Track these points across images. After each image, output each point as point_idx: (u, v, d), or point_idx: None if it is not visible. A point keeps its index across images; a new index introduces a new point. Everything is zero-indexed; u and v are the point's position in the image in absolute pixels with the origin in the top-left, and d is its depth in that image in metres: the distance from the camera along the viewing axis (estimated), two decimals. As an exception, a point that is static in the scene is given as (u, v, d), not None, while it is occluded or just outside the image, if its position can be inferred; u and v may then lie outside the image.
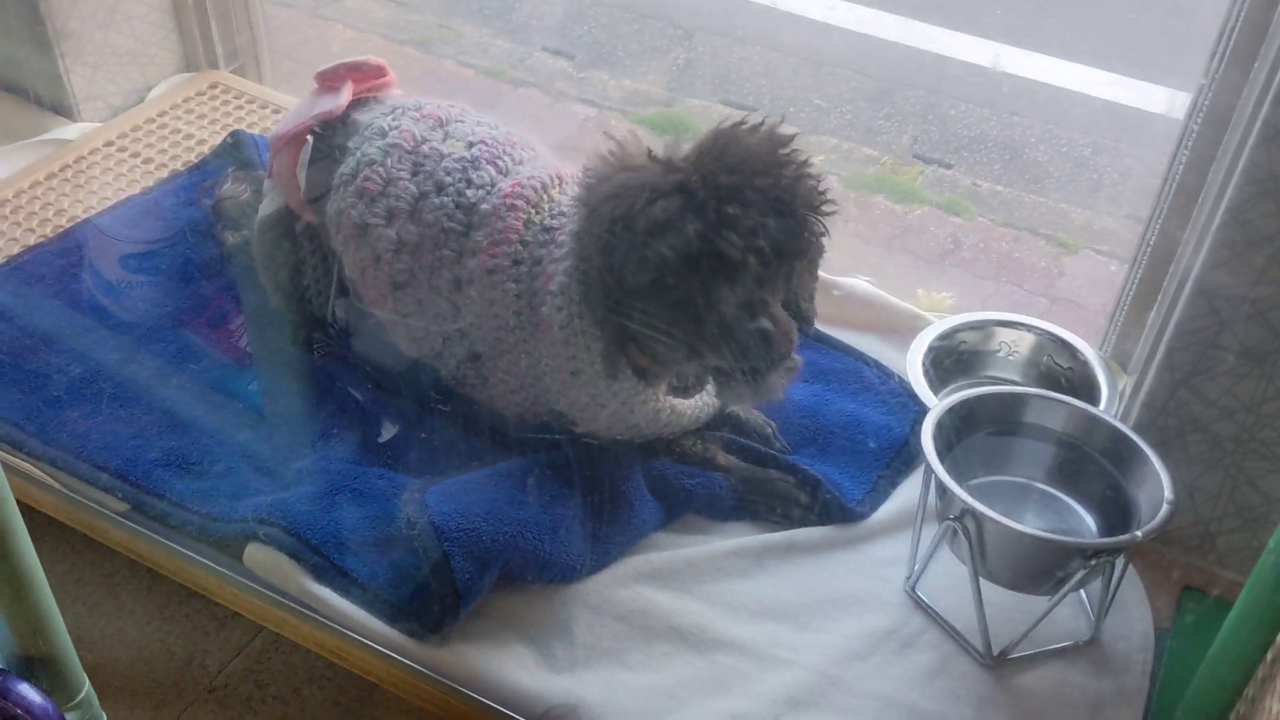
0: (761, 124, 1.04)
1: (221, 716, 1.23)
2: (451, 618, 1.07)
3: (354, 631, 1.09)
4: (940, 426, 1.09)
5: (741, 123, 1.04)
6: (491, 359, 1.18)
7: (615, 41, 2.32)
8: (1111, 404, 1.25)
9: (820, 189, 1.04)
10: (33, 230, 1.49)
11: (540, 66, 2.25)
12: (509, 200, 1.14)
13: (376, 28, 2.34)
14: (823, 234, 1.05)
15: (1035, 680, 1.08)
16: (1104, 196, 2.00)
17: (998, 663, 1.08)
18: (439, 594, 1.06)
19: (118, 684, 1.25)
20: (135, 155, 1.63)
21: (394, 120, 1.21)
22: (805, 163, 1.04)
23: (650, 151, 1.04)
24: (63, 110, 1.68)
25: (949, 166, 2.04)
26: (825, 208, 1.04)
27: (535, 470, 1.17)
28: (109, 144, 1.64)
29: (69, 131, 1.65)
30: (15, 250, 1.45)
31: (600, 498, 1.15)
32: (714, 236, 0.99)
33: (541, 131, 2.08)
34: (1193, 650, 1.11)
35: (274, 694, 1.25)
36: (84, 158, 1.61)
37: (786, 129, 1.05)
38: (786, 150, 1.04)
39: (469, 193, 1.15)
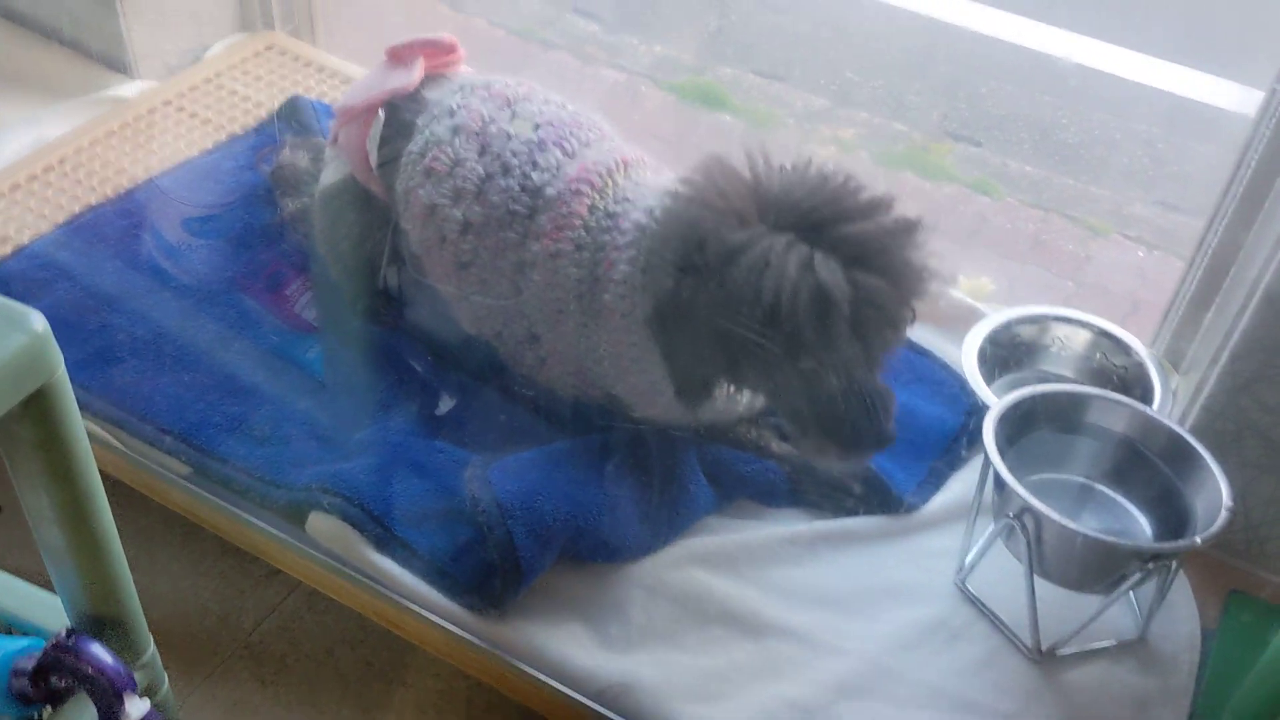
0: (884, 204, 1.03)
1: (255, 673, 1.25)
2: (512, 593, 1.08)
3: (414, 603, 1.10)
4: (1001, 422, 1.10)
5: (855, 185, 1.03)
6: (550, 341, 1.19)
7: (645, 5, 2.30)
8: (1165, 404, 1.25)
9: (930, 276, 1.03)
10: (94, 189, 1.50)
11: (570, 29, 2.22)
12: (574, 185, 1.14)
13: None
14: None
15: (1082, 676, 1.10)
16: (1135, 182, 1.99)
17: (1046, 658, 1.10)
18: (501, 570, 1.08)
19: (154, 639, 1.27)
20: (194, 115, 1.63)
21: (462, 99, 1.22)
22: (921, 250, 1.03)
23: (751, 183, 1.04)
24: (120, 67, 1.68)
25: (979, 144, 2.02)
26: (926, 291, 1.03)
27: (593, 451, 1.18)
28: (167, 103, 1.64)
29: (128, 89, 1.66)
30: (77, 209, 1.46)
31: (656, 480, 1.16)
32: (836, 288, 0.97)
33: (571, 97, 2.08)
34: (1238, 652, 1.12)
35: (307, 653, 1.26)
36: (142, 116, 1.61)
37: (910, 218, 1.03)
38: (909, 237, 1.02)
39: (534, 175, 1.16)
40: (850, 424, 1.03)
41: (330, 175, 1.34)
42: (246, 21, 1.79)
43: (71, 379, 1.26)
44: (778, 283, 0.97)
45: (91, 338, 1.30)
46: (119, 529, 1.33)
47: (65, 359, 1.27)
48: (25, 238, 1.42)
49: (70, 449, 0.88)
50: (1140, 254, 1.83)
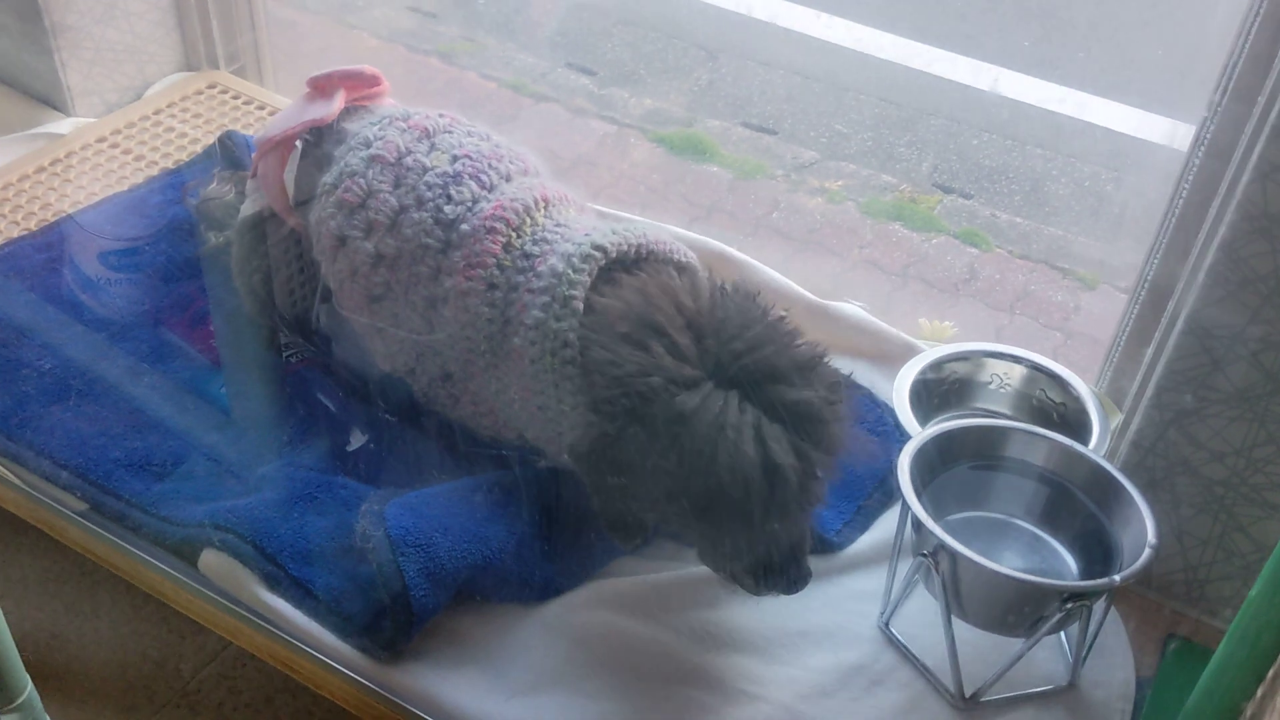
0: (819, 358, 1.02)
1: None
2: (404, 635, 1.04)
3: (305, 644, 1.06)
4: (919, 458, 1.06)
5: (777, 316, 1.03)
6: (462, 380, 1.15)
7: (638, 60, 2.31)
8: (1102, 442, 1.21)
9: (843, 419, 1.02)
10: (16, 224, 1.47)
11: (562, 82, 2.24)
12: (489, 222, 1.11)
13: (401, 37, 2.33)
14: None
15: (1008, 725, 1.05)
16: (1125, 232, 1.97)
17: (969, 705, 1.05)
18: (391, 610, 1.03)
19: (90, 685, 1.23)
20: (127, 152, 1.61)
21: (380, 131, 1.19)
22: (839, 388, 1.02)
23: (681, 304, 1.02)
24: (57, 105, 1.67)
25: (969, 196, 2.01)
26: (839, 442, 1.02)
27: (502, 488, 1.14)
28: (101, 140, 1.62)
29: (62, 126, 1.64)
30: (-2, 243, 1.44)
31: (566, 519, 1.12)
32: (769, 452, 0.96)
33: (559, 147, 2.07)
34: (1176, 700, 1.06)
35: (246, 701, 1.22)
36: (75, 153, 1.59)
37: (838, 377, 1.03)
38: (820, 365, 1.02)
39: (447, 209, 1.12)
40: (771, 572, 1.02)
41: (249, 207, 1.31)
42: (191, 61, 1.78)
43: (-31, 412, 1.24)
44: (732, 458, 0.96)
45: (-2, 371, 1.27)
46: (62, 571, 1.31)
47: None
48: (-58, 271, 1.39)
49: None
50: (1132, 306, 1.80)
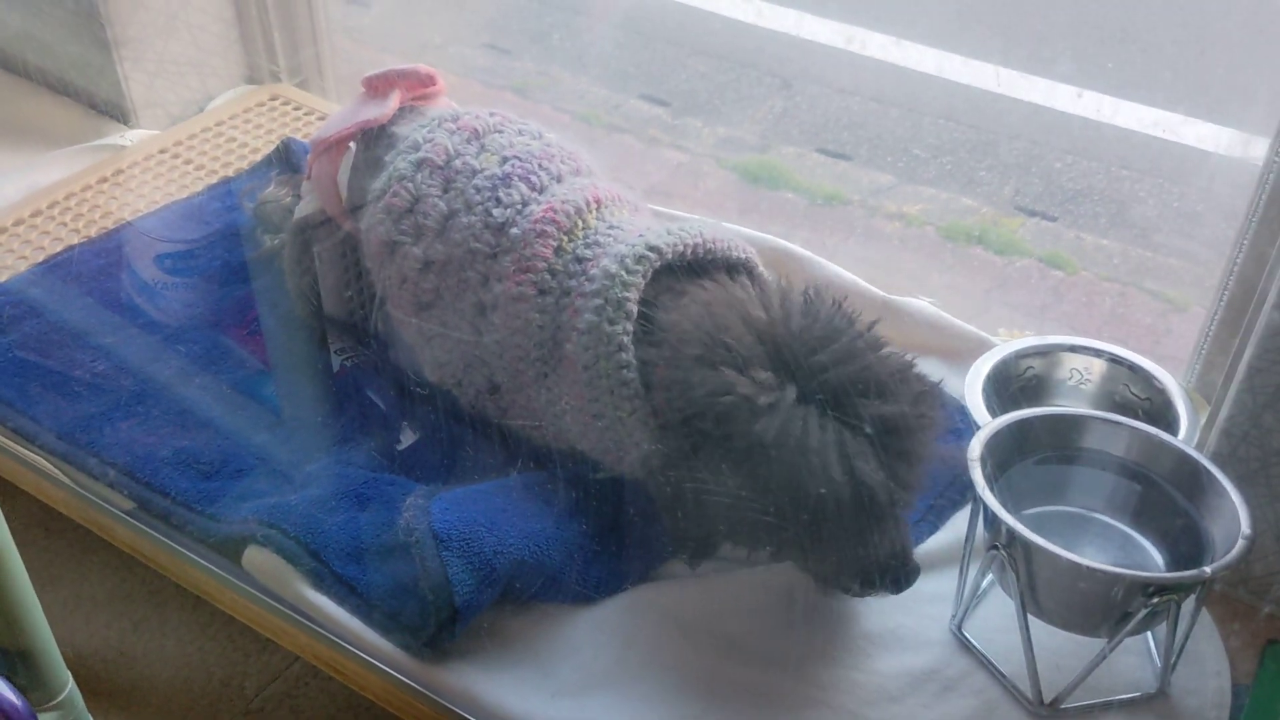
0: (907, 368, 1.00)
1: None
2: (448, 633, 1.00)
3: (350, 644, 1.02)
4: (990, 449, 0.99)
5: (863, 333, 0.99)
6: (510, 393, 1.11)
7: (712, 90, 2.29)
8: (1190, 438, 1.13)
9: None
10: (77, 232, 1.48)
11: (635, 113, 2.22)
12: (539, 225, 1.07)
13: (476, 74, 2.34)
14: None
15: (1091, 734, 0.97)
16: (1218, 252, 1.90)
17: (1050, 712, 0.97)
18: (435, 607, 0.99)
19: (155, 703, 1.22)
20: (189, 162, 1.61)
21: (428, 133, 1.16)
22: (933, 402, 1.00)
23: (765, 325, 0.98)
24: (120, 117, 1.68)
25: (1052, 219, 1.95)
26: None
27: (552, 486, 1.10)
28: (163, 150, 1.63)
29: (125, 138, 1.65)
30: (57, 249, 1.44)
31: (616, 518, 1.07)
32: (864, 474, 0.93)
33: (633, 177, 2.06)
34: (1276, 710, 0.99)
35: None
36: (137, 163, 1.60)
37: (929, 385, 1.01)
38: (908, 376, 0.99)
39: (496, 212, 1.09)
40: (877, 575, 0.99)
41: (303, 209, 1.30)
42: (254, 73, 1.79)
43: (24, 413, 1.23)
44: (818, 482, 0.93)
45: (52, 373, 1.26)
46: (130, 590, 1.30)
47: (24, 394, 1.25)
48: (3, 278, 1.40)
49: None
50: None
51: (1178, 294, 1.80)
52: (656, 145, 2.13)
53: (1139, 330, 1.73)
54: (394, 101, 1.24)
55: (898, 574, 0.99)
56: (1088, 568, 0.89)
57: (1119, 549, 1.02)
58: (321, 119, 1.71)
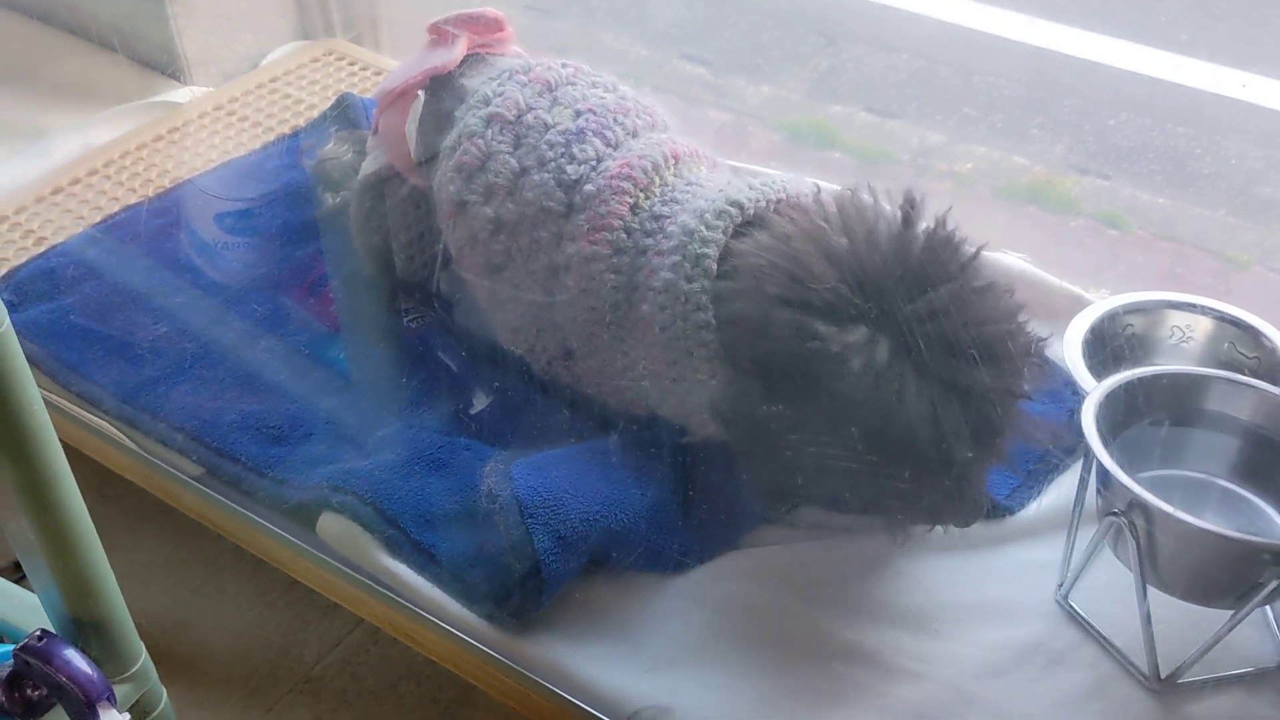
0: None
1: (315, 709, 1.17)
2: (534, 604, 0.96)
3: (428, 612, 0.99)
4: (1104, 409, 0.94)
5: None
6: (584, 358, 1.07)
7: (755, 49, 2.23)
8: (1307, 398, 1.07)
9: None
10: (134, 191, 1.45)
11: (677, 73, 2.17)
12: (615, 182, 1.03)
13: (519, 34, 2.30)
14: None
15: (1209, 710, 0.92)
16: (1278, 212, 1.83)
17: (1166, 687, 0.92)
18: (520, 576, 0.95)
19: (214, 670, 1.20)
20: (244, 119, 1.58)
21: (499, 86, 1.12)
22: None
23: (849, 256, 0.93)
24: (174, 74, 1.65)
25: (1107, 177, 1.89)
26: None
27: (635, 450, 1.05)
28: (218, 108, 1.59)
29: (179, 95, 1.62)
30: (114, 209, 1.41)
31: (705, 484, 1.03)
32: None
33: (677, 137, 2.01)
34: (1405, 686, 0.93)
35: (369, 688, 1.18)
36: (192, 121, 1.57)
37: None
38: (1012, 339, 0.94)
39: (569, 169, 1.04)
40: (947, 504, 0.96)
41: (369, 165, 1.25)
42: (308, 29, 1.75)
43: (86, 376, 1.20)
44: (903, 432, 0.89)
45: (113, 335, 1.23)
46: (187, 556, 1.28)
47: (85, 358, 1.22)
48: (60, 239, 1.37)
49: (20, 417, 0.78)
50: (1286, 285, 1.67)
51: (1238, 253, 1.74)
52: (700, 105, 2.08)
53: (1199, 290, 1.65)
54: (461, 47, 1.19)
55: (970, 516, 0.98)
56: (1220, 535, 0.84)
57: (1241, 515, 0.97)
58: (377, 75, 1.67)
